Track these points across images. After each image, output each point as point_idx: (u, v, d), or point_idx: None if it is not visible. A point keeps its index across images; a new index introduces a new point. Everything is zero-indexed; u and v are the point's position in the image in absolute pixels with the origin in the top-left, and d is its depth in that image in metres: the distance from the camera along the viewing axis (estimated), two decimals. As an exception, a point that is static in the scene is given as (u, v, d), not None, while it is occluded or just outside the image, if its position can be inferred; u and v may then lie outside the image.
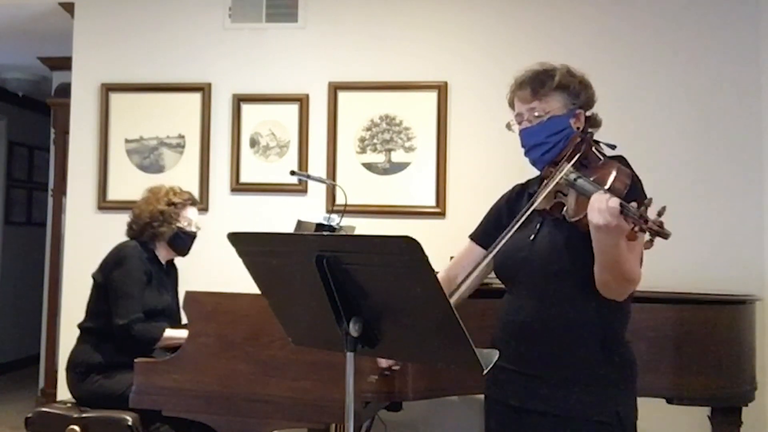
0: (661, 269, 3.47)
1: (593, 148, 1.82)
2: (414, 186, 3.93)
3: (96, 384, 2.99)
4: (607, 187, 1.64)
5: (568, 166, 1.75)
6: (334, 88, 4.02)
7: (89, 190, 4.20)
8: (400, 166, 3.96)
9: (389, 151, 3.97)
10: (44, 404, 3.29)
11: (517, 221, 1.80)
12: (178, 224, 3.20)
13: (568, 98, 1.88)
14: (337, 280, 1.51)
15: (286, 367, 2.61)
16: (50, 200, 5.55)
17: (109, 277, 3.05)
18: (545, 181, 1.84)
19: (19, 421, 3.61)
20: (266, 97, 4.09)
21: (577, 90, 1.89)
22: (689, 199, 3.67)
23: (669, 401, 2.74)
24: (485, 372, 1.49)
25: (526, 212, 1.81)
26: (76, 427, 2.87)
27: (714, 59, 3.74)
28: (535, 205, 1.80)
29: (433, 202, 3.91)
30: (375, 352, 1.60)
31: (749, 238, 3.64)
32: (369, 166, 3.99)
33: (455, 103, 3.92)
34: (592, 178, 1.70)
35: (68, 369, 3.09)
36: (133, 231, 3.21)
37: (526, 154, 1.93)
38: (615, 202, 1.53)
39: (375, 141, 3.98)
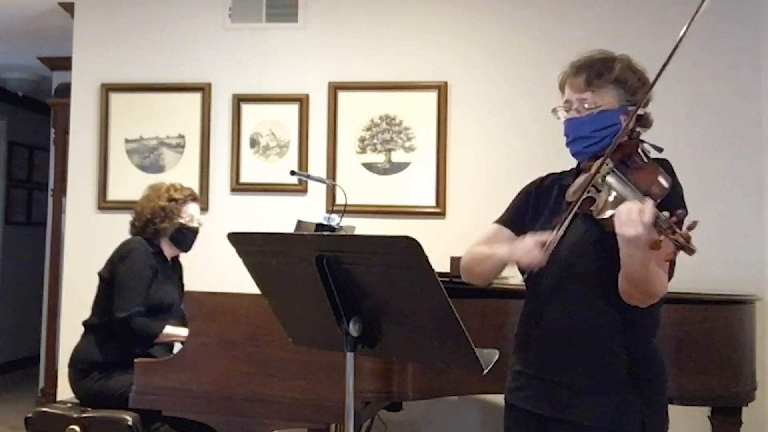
0: (661, 269, 3.48)
1: (639, 149, 1.71)
2: (414, 186, 3.93)
3: (97, 383, 3.00)
4: (644, 191, 1.55)
5: (608, 163, 1.65)
6: (334, 88, 4.02)
7: (89, 190, 4.20)
8: (400, 166, 3.96)
9: (389, 151, 3.97)
10: (44, 404, 3.30)
11: (566, 218, 1.68)
12: (180, 220, 3.21)
13: (623, 94, 1.77)
14: (337, 280, 1.51)
15: (286, 367, 2.61)
16: (50, 200, 5.55)
17: (114, 271, 3.06)
18: (582, 175, 1.76)
19: (19, 421, 3.62)
20: (266, 97, 4.08)
21: (634, 87, 1.77)
22: (689, 198, 3.66)
23: (669, 401, 2.74)
24: (485, 372, 1.49)
25: (571, 211, 1.68)
26: (76, 427, 2.87)
27: (714, 59, 3.73)
28: (578, 205, 1.68)
29: (433, 202, 3.91)
30: (375, 352, 1.60)
31: (749, 238, 3.64)
32: (369, 166, 3.99)
33: (455, 103, 3.92)
34: (631, 180, 1.61)
35: (70, 365, 3.10)
36: (135, 228, 3.22)
37: (568, 144, 1.81)
38: (650, 215, 1.44)
39: (375, 141, 3.98)
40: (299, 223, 3.05)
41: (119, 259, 3.08)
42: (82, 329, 3.16)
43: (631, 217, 1.46)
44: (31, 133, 6.97)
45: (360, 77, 4.01)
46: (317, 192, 4.01)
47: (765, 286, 3.52)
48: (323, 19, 4.08)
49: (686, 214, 1.43)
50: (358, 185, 3.87)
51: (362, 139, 3.99)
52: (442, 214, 3.89)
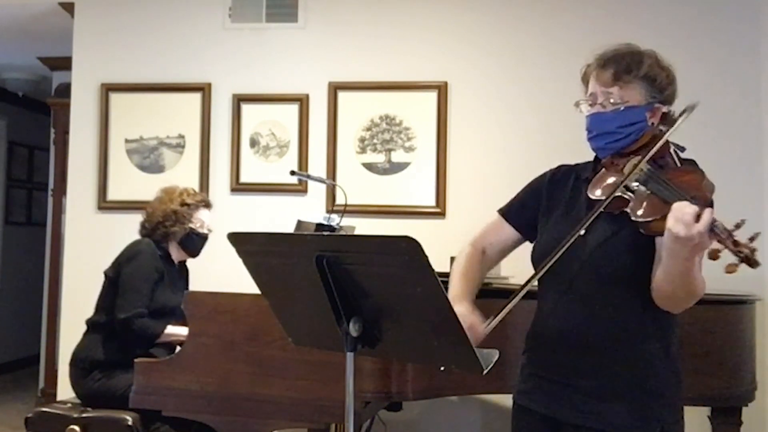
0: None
1: (671, 149, 1.66)
2: (414, 186, 3.93)
3: (97, 382, 3.00)
4: (691, 195, 1.48)
5: (644, 163, 1.60)
6: (334, 88, 4.02)
7: (89, 190, 4.19)
8: (400, 166, 3.96)
9: (389, 151, 3.97)
10: (44, 404, 3.29)
11: (591, 216, 1.62)
12: (191, 225, 3.22)
13: (651, 90, 1.72)
14: (337, 280, 1.51)
15: (286, 367, 2.61)
16: (50, 200, 5.55)
17: (120, 271, 3.07)
18: (603, 171, 1.71)
19: (19, 421, 3.62)
20: (266, 97, 4.08)
21: (663, 84, 1.73)
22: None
23: (669, 401, 2.74)
24: (485, 372, 1.49)
25: (597, 211, 1.62)
26: (76, 427, 2.87)
27: (714, 59, 3.73)
28: (606, 201, 1.62)
29: (433, 202, 3.90)
30: (375, 352, 1.60)
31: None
32: (369, 166, 3.99)
33: (455, 103, 3.92)
34: (671, 182, 1.56)
35: (72, 363, 3.10)
36: (145, 230, 3.23)
37: (590, 139, 1.75)
38: (708, 216, 1.38)
39: (375, 141, 3.98)
40: (299, 223, 3.05)
41: (126, 259, 3.09)
42: (82, 329, 3.16)
43: (685, 217, 1.41)
44: (31, 133, 6.97)
45: (360, 77, 4.01)
46: (317, 192, 4.01)
47: (765, 286, 3.52)
48: (323, 19, 4.08)
49: (745, 223, 1.38)
50: (358, 185, 3.87)
51: (362, 139, 3.99)
52: (442, 214, 3.89)
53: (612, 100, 1.71)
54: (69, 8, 4.33)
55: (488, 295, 2.18)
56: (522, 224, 1.88)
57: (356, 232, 3.18)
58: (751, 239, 1.37)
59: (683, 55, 3.86)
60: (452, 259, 2.84)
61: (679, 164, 1.67)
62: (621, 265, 1.65)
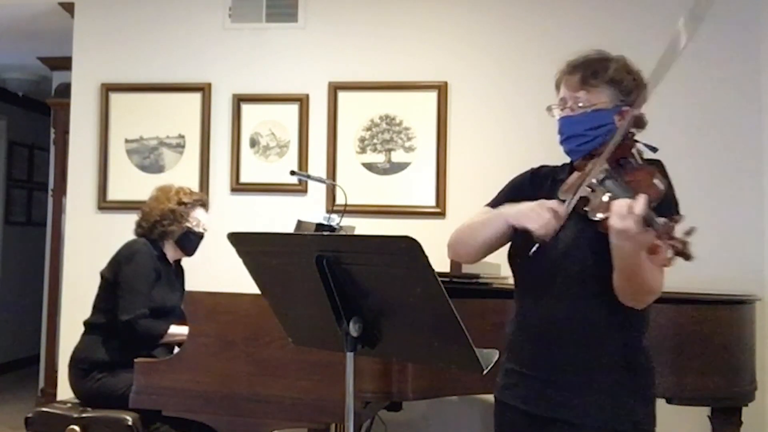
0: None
1: (633, 150, 1.71)
2: (414, 186, 3.93)
3: (97, 383, 3.00)
4: (639, 193, 1.52)
5: (603, 164, 1.65)
6: (334, 88, 4.02)
7: (89, 190, 4.20)
8: (400, 166, 3.96)
9: (389, 151, 3.97)
10: (44, 404, 3.29)
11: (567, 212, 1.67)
12: (187, 224, 3.21)
13: (618, 94, 1.77)
14: (337, 280, 1.51)
15: (286, 367, 2.61)
16: (50, 200, 5.55)
17: (118, 272, 3.06)
18: (575, 173, 1.76)
19: (19, 421, 3.61)
20: (266, 97, 4.08)
21: (629, 87, 1.78)
22: (689, 198, 3.65)
23: (669, 401, 2.74)
24: (485, 372, 1.49)
25: (566, 211, 1.67)
26: (76, 427, 2.87)
27: (714, 59, 3.73)
28: (574, 200, 1.67)
29: (433, 202, 3.90)
30: (375, 352, 1.60)
31: (749, 238, 3.64)
32: (369, 166, 3.99)
33: (455, 103, 3.92)
34: (626, 181, 1.61)
35: (71, 365, 3.10)
36: (142, 229, 3.22)
37: (562, 142, 1.83)
38: (641, 209, 1.44)
39: (375, 141, 3.98)
40: (299, 223, 3.05)
41: (124, 260, 3.08)
42: (81, 329, 3.16)
43: (621, 210, 1.47)
44: (31, 133, 6.98)
45: (360, 77, 4.01)
46: (317, 192, 4.01)
47: (765, 286, 3.52)
48: (323, 19, 4.08)
49: (683, 218, 1.42)
50: (358, 185, 3.87)
51: (362, 139, 4.00)
52: (442, 214, 3.89)
53: (580, 104, 1.77)
54: (69, 8, 4.33)
55: (488, 295, 2.19)
56: None
57: (356, 232, 3.18)
58: (687, 233, 1.40)
59: (683, 56, 3.87)
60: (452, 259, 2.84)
61: (641, 163, 1.71)
62: (586, 264, 1.70)
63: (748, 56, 3.72)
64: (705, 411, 2.93)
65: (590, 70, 1.78)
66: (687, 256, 1.39)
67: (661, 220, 1.43)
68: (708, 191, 3.67)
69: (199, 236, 3.28)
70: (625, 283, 1.62)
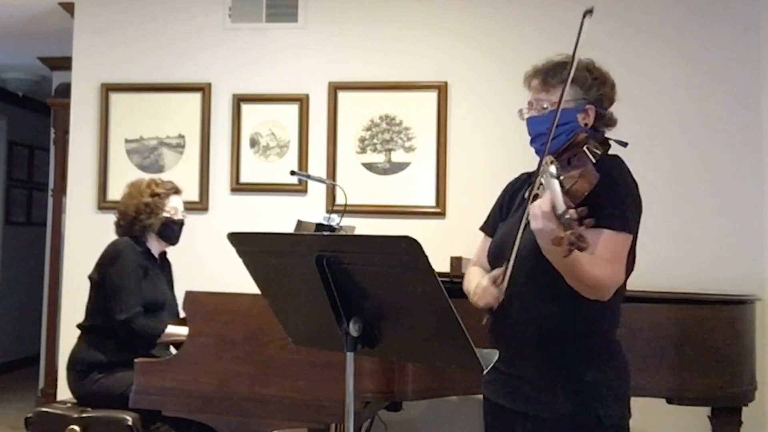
0: (661, 269, 3.48)
1: (585, 147, 1.76)
2: (414, 186, 3.93)
3: (96, 383, 2.99)
4: (566, 188, 1.57)
5: (548, 161, 1.67)
6: (334, 88, 4.02)
7: (89, 190, 4.20)
8: (400, 166, 3.96)
9: (389, 151, 3.97)
10: (44, 404, 3.29)
11: (523, 218, 1.71)
12: (165, 214, 3.19)
13: (578, 92, 1.84)
14: (337, 280, 1.51)
15: (286, 367, 2.61)
16: (50, 200, 5.55)
17: (105, 274, 3.05)
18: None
19: (19, 421, 3.61)
20: (266, 97, 4.08)
21: (588, 85, 1.84)
22: (689, 199, 3.67)
23: (669, 401, 2.75)
24: (485, 372, 1.49)
25: (525, 211, 1.71)
26: (76, 427, 2.87)
27: (714, 59, 3.74)
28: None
29: (433, 202, 3.91)
30: (375, 352, 1.60)
31: (749, 238, 3.64)
32: (369, 166, 3.99)
33: (455, 103, 3.92)
34: (564, 177, 1.63)
35: (69, 368, 3.09)
36: (121, 228, 3.21)
37: (531, 142, 1.92)
38: (547, 205, 1.50)
39: (375, 141, 3.98)
40: (299, 223, 3.05)
41: (109, 261, 3.06)
42: (79, 331, 3.16)
43: (534, 210, 1.54)
44: (31, 133, 6.98)
45: (360, 77, 4.01)
46: (317, 192, 4.02)
47: (765, 286, 3.52)
48: (323, 19, 4.08)
49: (587, 211, 1.45)
50: (358, 185, 3.88)
51: (362, 139, 4.00)
52: (442, 214, 3.89)
53: (543, 105, 1.87)
54: (69, 8, 4.33)
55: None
56: (493, 234, 1.99)
57: (356, 232, 3.18)
58: (584, 217, 1.44)
59: (683, 56, 3.89)
60: (452, 259, 2.85)
61: (593, 160, 1.73)
62: (540, 259, 1.71)
63: (748, 56, 3.72)
64: (705, 411, 2.93)
65: (550, 72, 1.87)
66: (580, 248, 1.43)
67: (569, 212, 1.46)
68: (708, 191, 3.67)
69: (180, 224, 3.25)
70: (569, 278, 1.66)
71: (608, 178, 1.67)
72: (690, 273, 3.47)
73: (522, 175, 2.07)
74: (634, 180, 1.81)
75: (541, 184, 1.68)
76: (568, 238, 1.43)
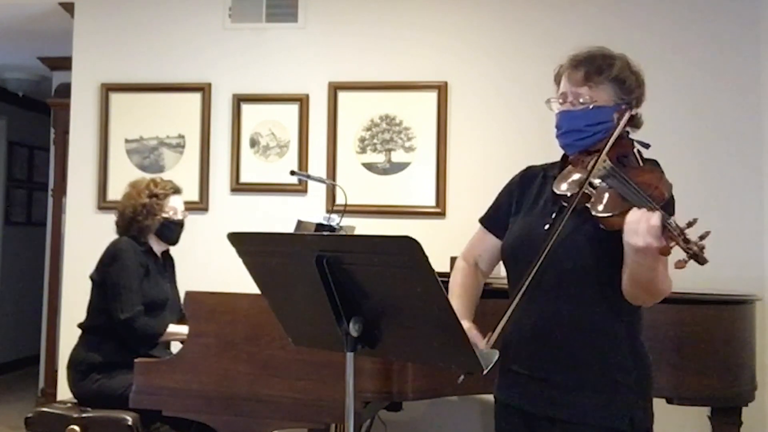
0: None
1: (634, 148, 1.74)
2: (414, 186, 3.93)
3: (96, 383, 2.99)
4: (648, 193, 1.55)
5: (606, 161, 1.66)
6: (334, 88, 4.02)
7: (89, 190, 4.20)
8: (400, 166, 3.96)
9: (389, 151, 3.97)
10: (44, 404, 3.29)
11: (565, 215, 1.67)
12: (164, 215, 3.19)
13: (620, 92, 1.78)
14: (337, 280, 1.51)
15: (286, 367, 2.61)
16: (50, 200, 5.55)
17: (106, 273, 3.05)
18: (569, 167, 1.77)
19: (19, 421, 3.61)
20: (266, 97, 4.08)
21: (632, 87, 1.79)
22: (689, 198, 3.66)
23: (669, 401, 2.74)
24: (485, 372, 1.49)
25: (571, 208, 1.66)
26: (76, 427, 2.87)
27: (714, 59, 3.74)
28: (574, 197, 1.67)
29: (433, 202, 3.91)
30: (375, 352, 1.60)
31: (749, 238, 3.64)
32: (369, 166, 3.99)
33: (455, 103, 3.92)
34: (632, 180, 1.61)
35: (69, 368, 3.10)
36: (120, 228, 3.21)
37: (559, 136, 1.82)
38: (657, 220, 1.45)
39: (375, 141, 3.98)
40: (299, 223, 3.05)
41: (110, 261, 3.07)
42: (80, 331, 3.16)
43: (640, 226, 1.47)
44: (31, 133, 6.97)
45: (360, 77, 4.01)
46: (317, 192, 4.02)
47: (765, 286, 3.52)
48: (323, 19, 4.08)
49: (696, 221, 1.42)
50: (358, 185, 3.88)
51: (362, 139, 4.00)
52: (442, 214, 3.89)
53: (581, 100, 1.78)
54: (69, 8, 4.33)
55: (488, 296, 2.18)
56: (500, 229, 1.92)
57: (356, 232, 3.18)
58: (701, 237, 1.42)
59: (683, 55, 3.89)
60: (452, 259, 2.84)
61: (641, 163, 1.73)
62: (582, 259, 1.69)
63: (748, 56, 3.72)
64: (705, 411, 2.93)
65: (594, 66, 1.78)
66: (701, 260, 1.41)
67: (674, 222, 1.43)
68: (708, 191, 3.67)
69: (179, 224, 3.25)
70: (637, 290, 1.63)
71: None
72: (690, 273, 3.47)
73: (531, 167, 1.98)
74: None
75: (590, 183, 1.65)
76: (689, 251, 1.39)
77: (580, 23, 3.81)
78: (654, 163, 1.76)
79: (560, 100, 1.82)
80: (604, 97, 1.77)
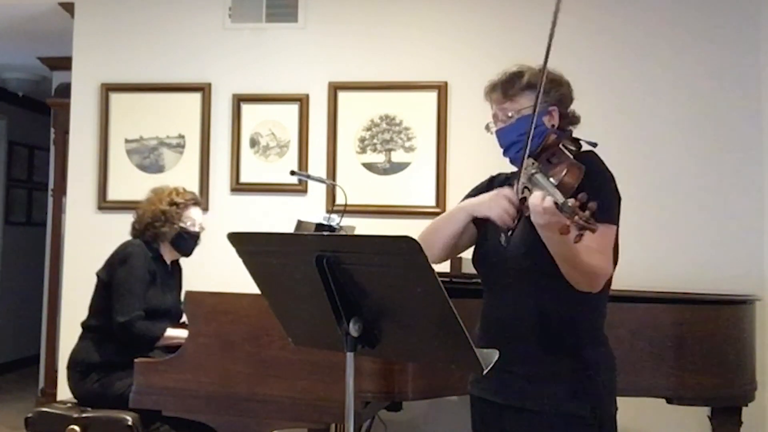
0: (661, 269, 3.48)
1: (561, 145, 1.83)
2: (414, 186, 3.93)
3: (96, 383, 3.00)
4: (556, 183, 1.64)
5: (532, 163, 1.75)
6: (334, 88, 4.02)
7: (89, 190, 4.20)
8: (400, 166, 3.96)
9: (389, 151, 3.97)
10: (44, 404, 3.29)
11: (518, 218, 1.78)
12: (181, 224, 3.20)
13: (537, 96, 1.87)
14: (337, 280, 1.51)
15: (286, 367, 2.61)
16: (50, 200, 5.55)
17: (113, 274, 3.06)
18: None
19: (19, 421, 3.61)
20: (266, 97, 4.08)
21: (546, 88, 1.88)
22: (689, 198, 3.67)
23: (669, 401, 2.74)
24: (485, 372, 1.49)
25: (521, 215, 1.78)
26: (76, 427, 2.87)
27: (714, 59, 3.74)
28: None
29: (433, 202, 3.91)
30: (375, 352, 1.60)
31: (749, 238, 3.64)
32: (369, 166, 3.99)
33: (455, 103, 3.92)
34: (550, 175, 1.70)
35: (69, 367, 3.10)
36: (135, 230, 3.22)
37: (504, 153, 1.97)
38: (549, 200, 1.54)
39: (375, 141, 3.98)
40: (299, 223, 3.05)
41: (118, 262, 3.07)
42: (80, 330, 3.16)
43: (536, 205, 1.57)
44: (31, 133, 6.98)
45: (360, 77, 4.01)
46: (317, 192, 4.01)
47: (765, 286, 3.52)
48: (323, 19, 4.08)
49: (587, 197, 1.48)
50: (358, 185, 3.88)
51: (362, 139, 4.00)
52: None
53: (509, 114, 1.93)
54: (69, 8, 4.34)
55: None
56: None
57: (356, 232, 3.18)
58: (585, 203, 1.47)
59: (684, 55, 3.89)
60: (452, 259, 2.84)
61: (571, 156, 1.80)
62: (536, 257, 1.76)
63: (748, 56, 3.72)
64: (705, 411, 2.93)
65: (508, 82, 1.95)
66: (591, 229, 1.45)
67: (569, 201, 1.49)
68: (708, 191, 3.67)
69: (195, 236, 3.27)
70: (567, 269, 1.70)
71: (589, 171, 1.72)
72: (690, 273, 3.47)
73: (499, 175, 2.13)
74: (611, 173, 1.86)
75: (525, 187, 1.75)
76: (577, 224, 1.45)
77: (580, 23, 3.81)
78: (587, 153, 1.85)
79: (494, 122, 1.98)
80: (525, 104, 1.89)
